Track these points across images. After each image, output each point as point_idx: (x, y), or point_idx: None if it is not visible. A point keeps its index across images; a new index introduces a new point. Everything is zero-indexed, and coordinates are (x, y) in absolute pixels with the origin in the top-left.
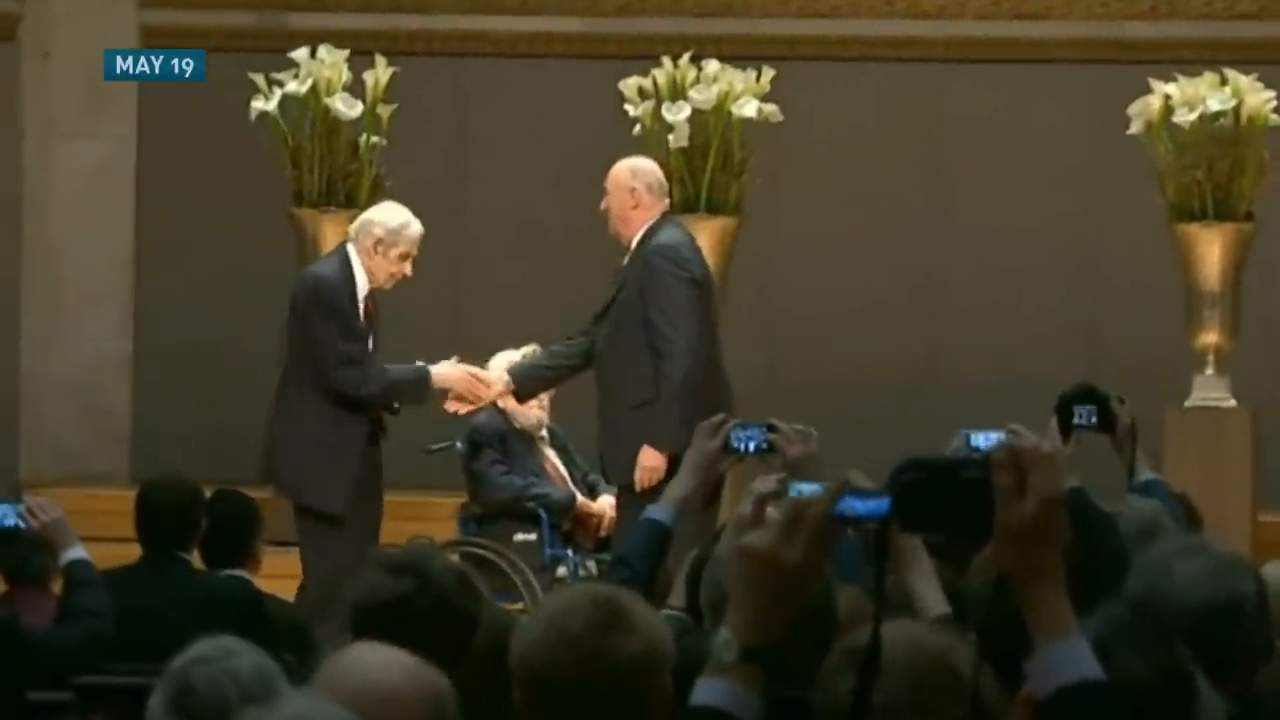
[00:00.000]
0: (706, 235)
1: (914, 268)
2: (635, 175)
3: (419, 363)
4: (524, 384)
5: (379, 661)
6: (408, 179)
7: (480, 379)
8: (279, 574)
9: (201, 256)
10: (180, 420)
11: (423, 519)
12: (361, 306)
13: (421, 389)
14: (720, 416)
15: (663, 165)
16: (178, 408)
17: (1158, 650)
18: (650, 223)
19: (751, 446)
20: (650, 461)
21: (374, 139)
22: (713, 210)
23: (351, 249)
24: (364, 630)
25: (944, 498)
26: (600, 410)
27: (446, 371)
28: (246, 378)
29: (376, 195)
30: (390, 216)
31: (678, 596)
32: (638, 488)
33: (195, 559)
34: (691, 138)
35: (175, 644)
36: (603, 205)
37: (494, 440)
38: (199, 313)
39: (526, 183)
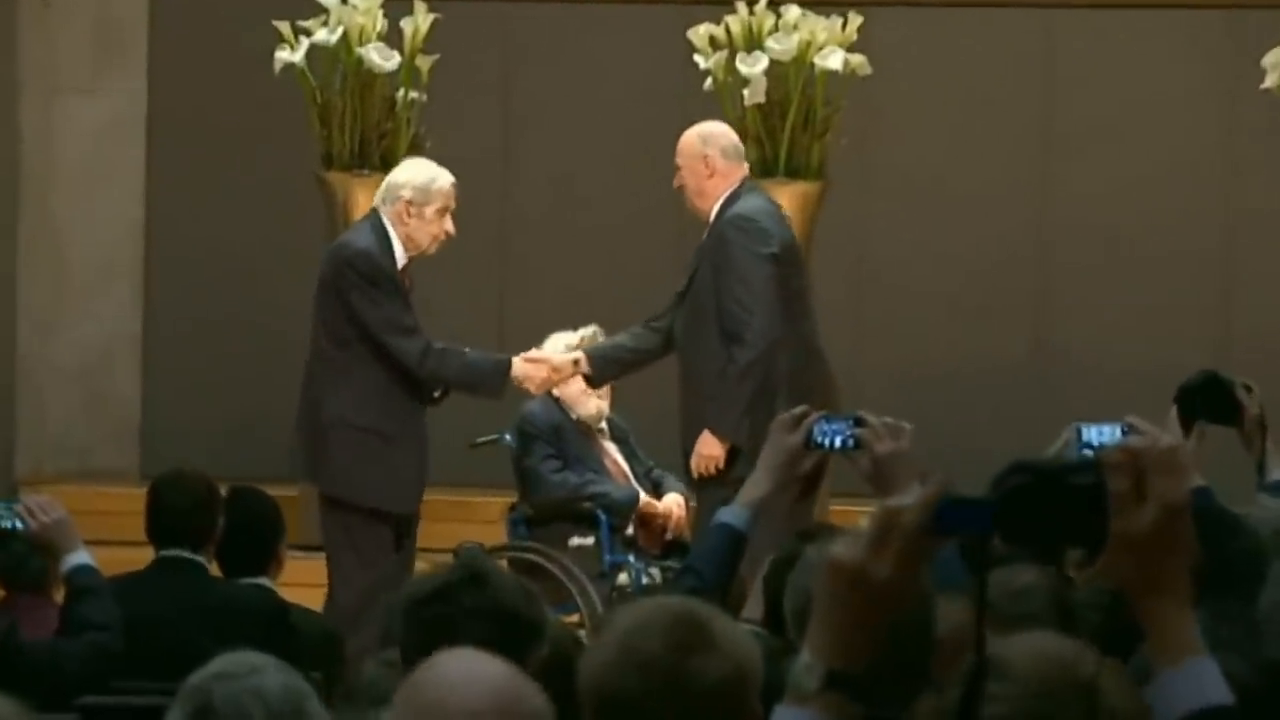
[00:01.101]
0: (786, 202)
1: (1020, 237)
2: (707, 141)
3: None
4: (600, 368)
5: (464, 676)
6: (449, 138)
7: (552, 365)
8: (304, 582)
9: (220, 226)
10: (196, 410)
11: (466, 520)
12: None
13: (498, 381)
14: (801, 409)
15: (737, 124)
16: (193, 396)
17: (1248, 645)
18: (729, 191)
19: (837, 442)
20: (708, 449)
21: (412, 94)
22: (792, 174)
23: (385, 216)
24: (408, 632)
25: (1053, 504)
26: (681, 404)
27: (528, 368)
28: (271, 362)
29: (415, 157)
30: (415, 173)
31: (753, 608)
32: (694, 474)
33: (212, 565)
34: (769, 93)
35: (191, 660)
36: (676, 183)
37: (547, 432)
38: (217, 289)
39: (582, 142)
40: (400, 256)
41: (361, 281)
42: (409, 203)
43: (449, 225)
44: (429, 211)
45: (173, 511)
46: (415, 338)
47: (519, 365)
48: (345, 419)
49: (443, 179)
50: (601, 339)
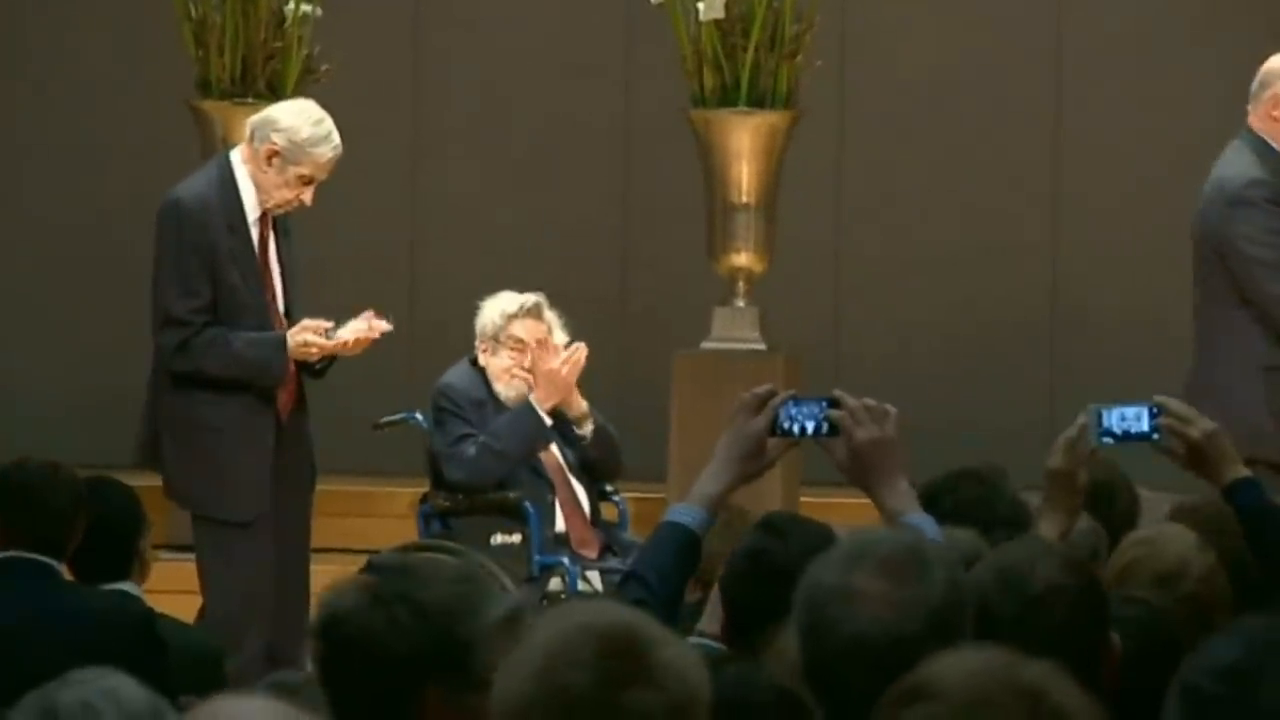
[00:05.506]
0: (749, 137)
1: (1032, 175)
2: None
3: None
4: None
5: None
6: (351, 59)
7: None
8: (174, 588)
9: (73, 165)
10: (33, 382)
11: (369, 515)
12: (255, 233)
13: (277, 362)
14: (766, 388)
15: (692, 43)
16: (30, 365)
17: None
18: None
19: (808, 428)
20: None
21: (305, 7)
22: (756, 104)
23: (237, 156)
24: (325, 669)
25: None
26: None
27: (301, 344)
28: (127, 327)
29: (308, 83)
30: (300, 123)
31: (711, 618)
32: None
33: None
34: (728, 7)
35: (38, 681)
36: None
37: (467, 408)
38: (67, 240)
39: (508, 62)
40: (252, 205)
41: (159, 240)
42: (277, 152)
43: (307, 197)
44: (292, 172)
45: (43, 515)
46: (174, 329)
47: (295, 342)
48: (174, 413)
49: (327, 149)
50: (547, 309)
